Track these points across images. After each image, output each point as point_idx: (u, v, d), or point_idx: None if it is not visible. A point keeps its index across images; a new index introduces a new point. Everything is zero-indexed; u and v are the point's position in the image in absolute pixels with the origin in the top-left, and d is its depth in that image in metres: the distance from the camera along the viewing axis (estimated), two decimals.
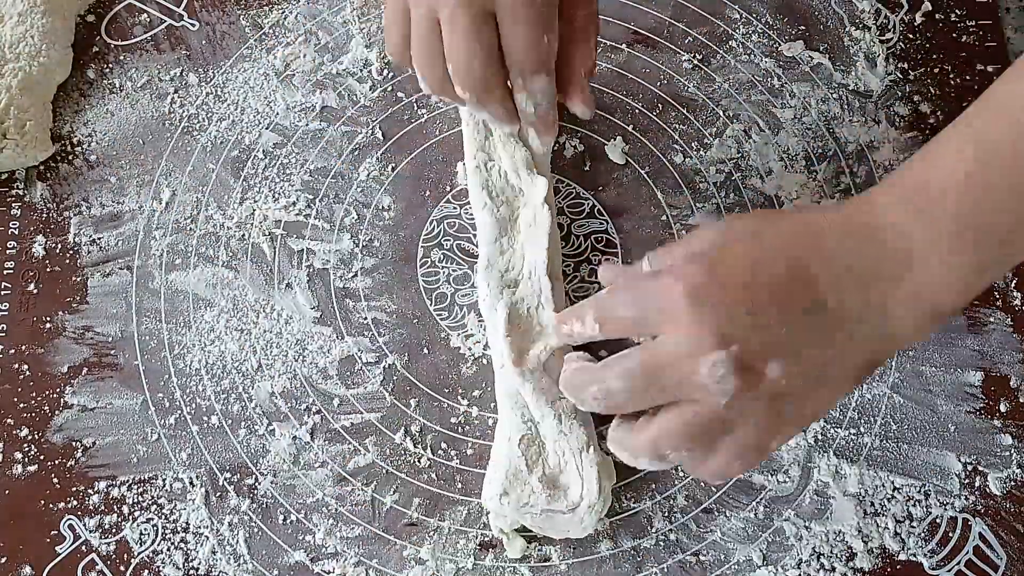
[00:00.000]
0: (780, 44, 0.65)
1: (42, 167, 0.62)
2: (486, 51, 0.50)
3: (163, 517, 0.54)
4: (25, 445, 0.56)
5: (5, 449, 0.56)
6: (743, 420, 0.43)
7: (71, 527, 0.54)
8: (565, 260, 0.59)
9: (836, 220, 0.44)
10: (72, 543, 0.54)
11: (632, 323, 0.45)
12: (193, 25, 0.66)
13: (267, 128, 0.63)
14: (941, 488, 0.54)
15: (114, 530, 0.54)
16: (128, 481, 0.55)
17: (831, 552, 0.53)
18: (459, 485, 0.55)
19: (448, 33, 0.50)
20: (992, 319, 0.58)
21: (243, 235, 0.60)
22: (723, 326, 0.41)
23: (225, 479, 0.55)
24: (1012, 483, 0.54)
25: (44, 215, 0.61)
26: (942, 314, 0.44)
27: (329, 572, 0.53)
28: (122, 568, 0.53)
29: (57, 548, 0.54)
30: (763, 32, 0.65)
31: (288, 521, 0.54)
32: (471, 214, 0.59)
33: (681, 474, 0.55)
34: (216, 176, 0.62)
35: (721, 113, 0.63)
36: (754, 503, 0.54)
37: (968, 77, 0.63)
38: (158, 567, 0.53)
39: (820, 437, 0.55)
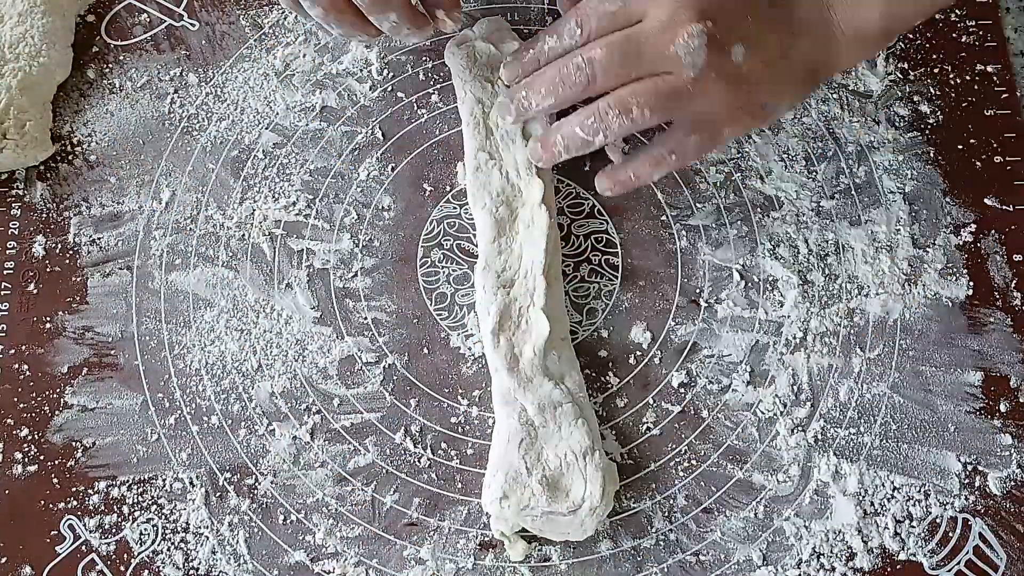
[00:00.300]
0: None
1: (42, 167, 0.62)
2: None
3: (163, 517, 0.54)
4: (25, 445, 0.56)
5: (5, 449, 0.56)
6: (704, 97, 0.50)
7: (71, 527, 0.54)
8: (565, 260, 0.59)
9: None
10: (72, 543, 0.54)
11: (617, 13, 0.50)
12: (193, 25, 0.66)
13: (267, 128, 0.63)
14: (941, 488, 0.54)
15: (114, 530, 0.54)
16: (128, 481, 0.55)
17: (831, 552, 0.53)
18: (459, 485, 0.55)
19: None
20: (992, 319, 0.58)
21: (243, 235, 0.60)
22: (701, 3, 0.48)
23: (225, 479, 0.55)
24: (1012, 483, 0.54)
25: (44, 215, 0.61)
26: (866, 38, 0.52)
27: (329, 572, 0.53)
28: (122, 568, 0.53)
29: (57, 548, 0.54)
30: None
31: (288, 521, 0.54)
32: (471, 214, 0.59)
33: (681, 474, 0.55)
34: (216, 176, 0.62)
35: None
36: (754, 503, 0.54)
37: (968, 77, 0.63)
38: (158, 567, 0.53)
39: (820, 437, 0.55)
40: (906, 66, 0.64)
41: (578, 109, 0.53)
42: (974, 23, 0.65)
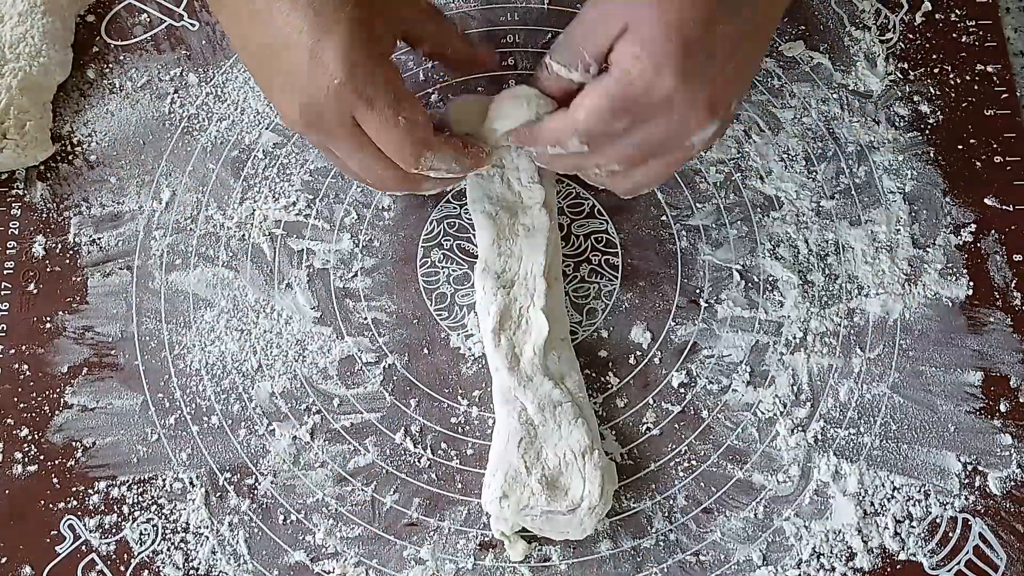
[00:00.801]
0: (780, 44, 0.65)
1: (42, 167, 0.62)
2: (378, 158, 0.51)
3: (163, 517, 0.54)
4: (25, 445, 0.56)
5: (5, 449, 0.56)
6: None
7: (71, 527, 0.54)
8: (565, 260, 0.59)
9: None
10: (72, 543, 0.54)
11: (626, 127, 0.48)
12: (193, 25, 0.66)
13: (267, 128, 0.63)
14: (941, 488, 0.54)
15: (114, 530, 0.54)
16: (128, 481, 0.55)
17: (831, 552, 0.53)
18: (459, 485, 0.55)
19: (342, 160, 0.52)
20: (992, 319, 0.58)
21: (243, 235, 0.60)
22: (713, 98, 0.47)
23: (225, 479, 0.55)
24: (1012, 483, 0.54)
25: (44, 215, 0.61)
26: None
27: (329, 572, 0.53)
28: (122, 568, 0.53)
29: (57, 548, 0.54)
30: None
31: (288, 521, 0.54)
32: (471, 216, 0.59)
33: (681, 474, 0.55)
34: (216, 176, 0.62)
35: None
36: (754, 503, 0.54)
37: (968, 77, 0.63)
38: (158, 567, 0.53)
39: (820, 437, 0.55)
40: (906, 66, 0.64)
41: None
42: (974, 23, 0.65)
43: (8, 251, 0.60)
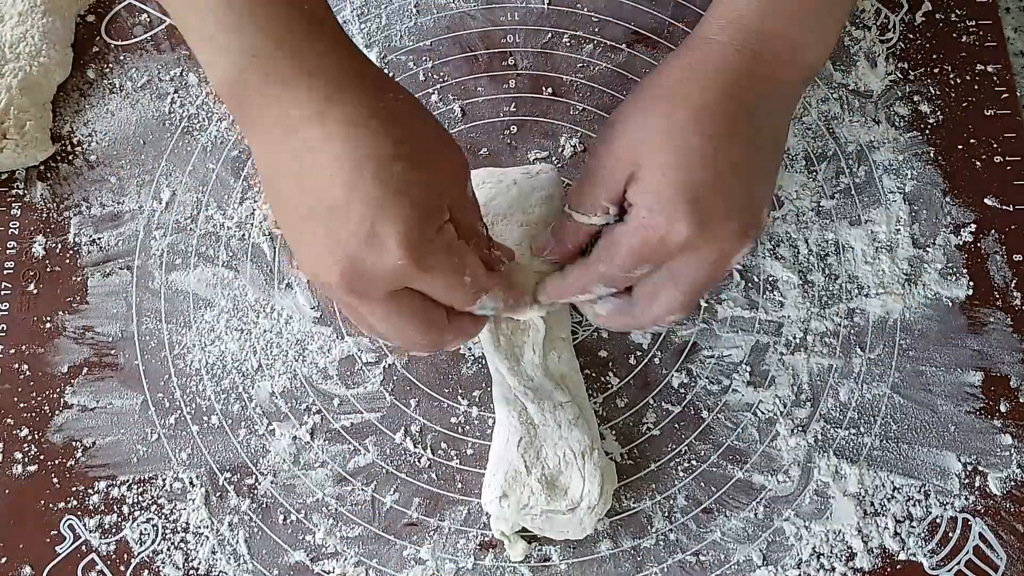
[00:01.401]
0: None
1: (42, 167, 0.62)
2: (419, 322, 0.47)
3: (163, 517, 0.54)
4: (25, 445, 0.56)
5: (5, 449, 0.56)
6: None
7: (71, 527, 0.54)
8: None
9: (712, 63, 0.46)
10: (72, 543, 0.54)
11: (649, 270, 0.47)
12: None
13: None
14: (941, 488, 0.54)
15: (114, 530, 0.54)
16: (128, 481, 0.55)
17: (831, 552, 0.53)
18: (459, 485, 0.55)
19: (373, 325, 0.47)
20: (992, 319, 0.58)
21: (243, 235, 0.60)
22: (736, 225, 0.45)
23: (225, 479, 0.55)
24: (1012, 483, 0.54)
25: (44, 215, 0.61)
26: (812, 68, 0.48)
27: (329, 572, 0.53)
28: (122, 568, 0.53)
29: (57, 548, 0.54)
30: None
31: (288, 521, 0.54)
32: None
33: (681, 474, 0.55)
34: (216, 176, 0.62)
35: None
36: (754, 503, 0.54)
37: (968, 77, 0.63)
38: (158, 567, 0.53)
39: (820, 437, 0.55)
40: (906, 66, 0.64)
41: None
42: (974, 23, 0.65)
43: (8, 251, 0.60)
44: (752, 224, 0.46)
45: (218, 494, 0.55)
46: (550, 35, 0.64)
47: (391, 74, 0.64)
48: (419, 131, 0.45)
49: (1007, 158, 0.61)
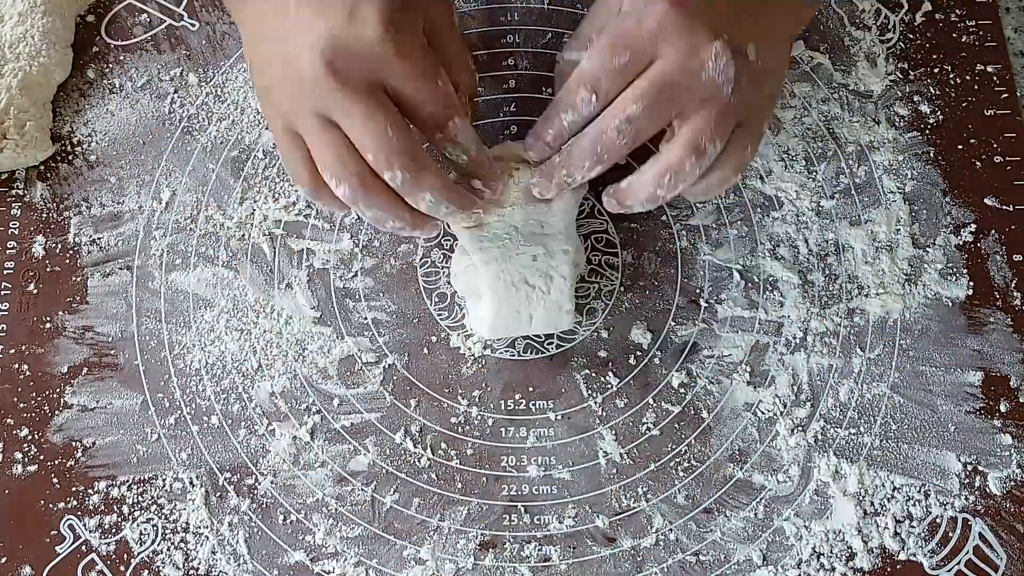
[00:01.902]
0: None
1: (42, 167, 0.62)
2: (397, 124, 0.47)
3: (163, 517, 0.54)
4: (25, 445, 0.56)
5: (5, 449, 0.56)
6: (746, 107, 0.49)
7: (71, 527, 0.54)
8: None
9: None
10: (72, 543, 0.54)
11: (629, 64, 0.48)
12: (193, 25, 0.66)
13: (267, 128, 0.63)
14: (941, 488, 0.54)
15: (114, 530, 0.54)
16: (128, 481, 0.55)
17: (831, 552, 0.53)
18: (459, 485, 0.55)
19: (350, 129, 0.47)
20: (992, 319, 0.58)
21: (243, 235, 0.60)
22: (711, 22, 0.47)
23: (225, 479, 0.55)
24: (1012, 483, 0.54)
25: (44, 215, 0.61)
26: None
27: (329, 572, 0.53)
28: (122, 568, 0.53)
29: (57, 548, 0.54)
30: None
31: (288, 521, 0.54)
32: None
33: (681, 474, 0.55)
34: (216, 176, 0.62)
35: None
36: (754, 503, 0.54)
37: (968, 77, 0.63)
38: (158, 567, 0.53)
39: (820, 437, 0.55)
40: (906, 66, 0.64)
41: (640, 167, 0.50)
42: (974, 23, 0.65)
43: (8, 251, 0.60)
44: (723, 26, 0.47)
45: (218, 494, 0.55)
46: (550, 35, 0.64)
47: None
48: None
49: (1007, 158, 0.61)
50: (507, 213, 0.54)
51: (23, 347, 0.58)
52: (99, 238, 0.61)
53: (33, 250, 0.60)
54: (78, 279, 0.60)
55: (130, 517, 0.54)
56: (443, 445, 0.56)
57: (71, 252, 0.60)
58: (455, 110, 0.49)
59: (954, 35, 0.65)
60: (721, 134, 0.48)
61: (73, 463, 0.55)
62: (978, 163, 0.61)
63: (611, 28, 0.48)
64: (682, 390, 0.57)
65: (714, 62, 0.47)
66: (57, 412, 0.56)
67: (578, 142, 0.50)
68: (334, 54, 0.46)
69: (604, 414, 0.56)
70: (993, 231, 0.60)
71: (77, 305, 0.59)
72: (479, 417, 0.56)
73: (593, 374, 0.57)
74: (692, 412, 0.56)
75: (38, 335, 0.58)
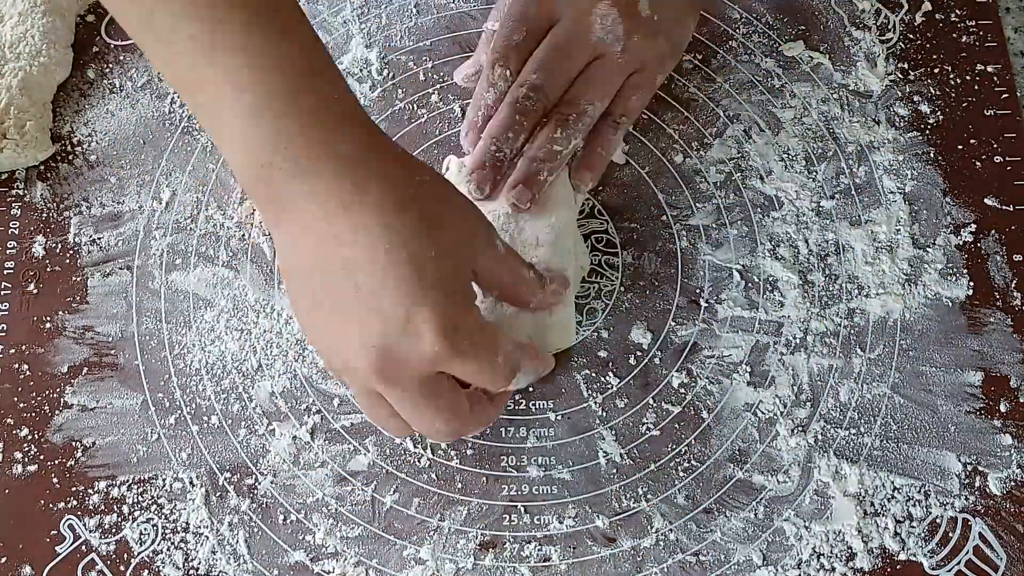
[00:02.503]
0: (780, 44, 0.65)
1: (42, 167, 0.62)
2: (446, 411, 0.47)
3: (163, 517, 0.54)
4: (25, 445, 0.56)
5: (5, 449, 0.56)
6: (635, 60, 0.56)
7: (71, 527, 0.54)
8: None
9: None
10: (72, 543, 0.54)
11: (528, 34, 0.55)
12: None
13: None
14: (941, 488, 0.54)
15: (114, 530, 0.54)
16: (128, 481, 0.55)
17: (831, 552, 0.53)
18: (459, 485, 0.55)
19: (402, 412, 0.47)
20: (992, 319, 0.58)
21: (243, 235, 0.60)
22: None
23: (225, 479, 0.55)
24: (1012, 483, 0.54)
25: (44, 215, 0.61)
26: None
27: (329, 572, 0.53)
28: (122, 568, 0.53)
29: (57, 548, 0.54)
30: (763, 32, 0.65)
31: (288, 521, 0.54)
32: None
33: (681, 474, 0.55)
34: (216, 176, 0.62)
35: (721, 113, 0.63)
36: (754, 503, 0.54)
37: (968, 77, 0.63)
38: (158, 567, 0.53)
39: (820, 437, 0.55)
40: (906, 66, 0.64)
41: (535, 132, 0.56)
42: (974, 23, 0.65)
43: (8, 251, 0.60)
44: None
45: (218, 494, 0.55)
46: None
47: (391, 74, 0.64)
48: (448, 215, 0.45)
49: (1007, 158, 0.61)
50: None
51: (23, 347, 0.58)
52: (99, 238, 0.61)
53: (33, 250, 0.60)
54: (78, 279, 0.60)
55: (130, 517, 0.54)
56: (443, 445, 0.56)
57: (71, 252, 0.60)
58: (517, 368, 0.49)
59: (954, 35, 0.65)
60: (605, 92, 0.56)
61: (73, 463, 0.55)
62: (978, 163, 0.61)
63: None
64: (682, 390, 0.57)
65: (601, 23, 0.54)
66: (57, 412, 0.56)
67: (498, 118, 0.55)
68: (384, 363, 0.43)
69: (604, 414, 0.56)
70: (993, 231, 0.60)
71: (77, 305, 0.59)
72: None
73: (593, 374, 0.57)
74: (692, 412, 0.56)
75: (38, 335, 0.58)
